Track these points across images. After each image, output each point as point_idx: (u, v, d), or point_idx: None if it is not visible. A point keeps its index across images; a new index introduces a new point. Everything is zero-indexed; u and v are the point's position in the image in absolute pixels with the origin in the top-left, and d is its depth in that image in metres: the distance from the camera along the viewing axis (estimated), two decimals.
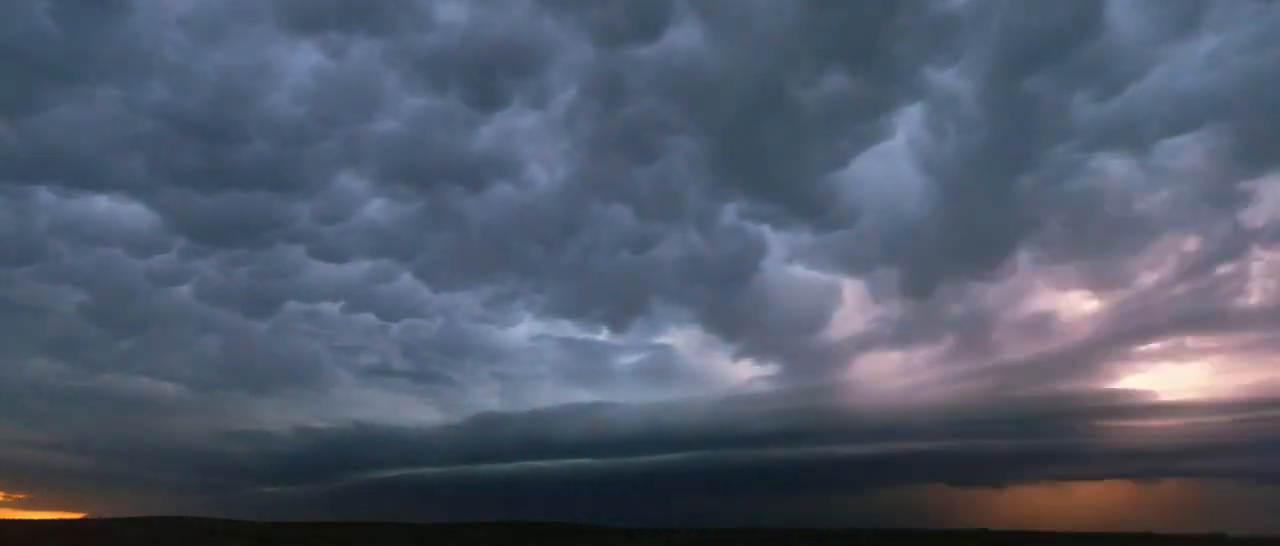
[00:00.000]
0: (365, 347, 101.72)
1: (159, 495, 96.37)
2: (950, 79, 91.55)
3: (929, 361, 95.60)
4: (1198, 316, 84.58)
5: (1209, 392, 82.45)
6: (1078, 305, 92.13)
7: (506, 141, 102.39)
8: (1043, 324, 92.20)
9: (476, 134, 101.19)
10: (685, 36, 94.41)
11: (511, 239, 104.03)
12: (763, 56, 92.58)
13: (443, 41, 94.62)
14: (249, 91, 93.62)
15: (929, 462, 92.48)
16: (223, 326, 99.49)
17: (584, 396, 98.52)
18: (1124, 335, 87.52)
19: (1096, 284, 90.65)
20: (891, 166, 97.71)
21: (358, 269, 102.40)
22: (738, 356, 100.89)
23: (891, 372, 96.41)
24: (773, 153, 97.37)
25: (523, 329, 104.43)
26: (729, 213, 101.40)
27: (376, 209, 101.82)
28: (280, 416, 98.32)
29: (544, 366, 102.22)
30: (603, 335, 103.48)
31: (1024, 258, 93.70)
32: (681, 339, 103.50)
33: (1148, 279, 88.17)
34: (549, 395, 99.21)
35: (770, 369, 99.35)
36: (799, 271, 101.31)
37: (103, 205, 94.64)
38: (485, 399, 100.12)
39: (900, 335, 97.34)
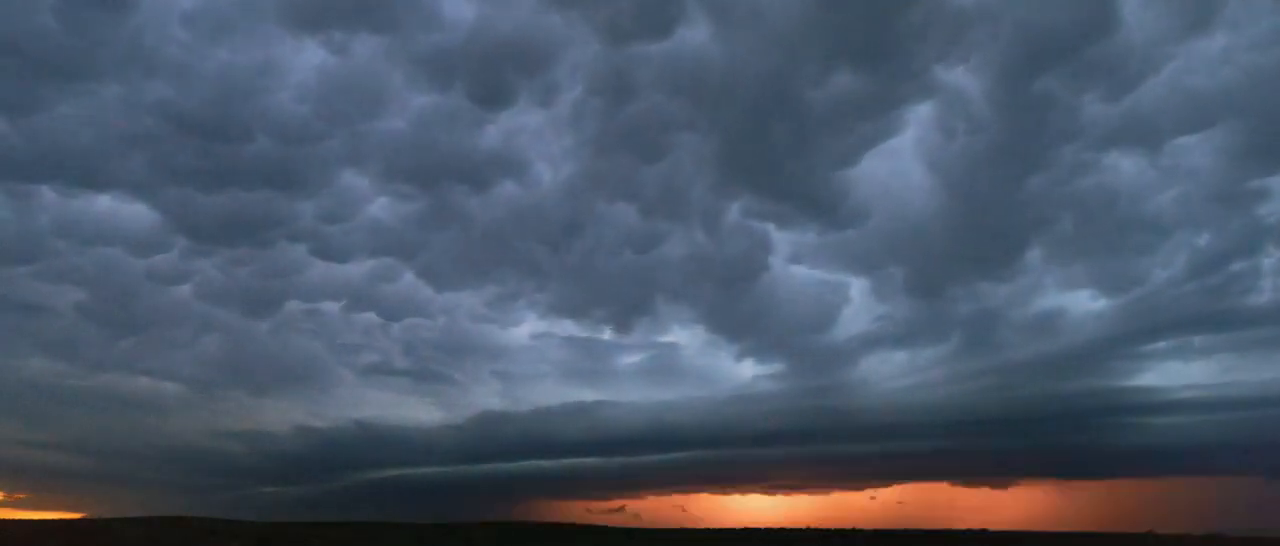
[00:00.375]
0: (366, 347, 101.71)
1: (159, 495, 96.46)
2: (959, 77, 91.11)
3: (935, 361, 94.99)
4: (1208, 314, 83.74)
5: (1219, 390, 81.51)
6: (1087, 304, 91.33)
7: (512, 140, 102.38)
8: (1052, 323, 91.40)
9: (482, 132, 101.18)
10: (693, 34, 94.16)
11: (515, 238, 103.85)
12: (770, 54, 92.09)
13: (448, 39, 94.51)
14: (252, 89, 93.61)
15: (933, 461, 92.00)
16: (223, 326, 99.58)
17: (586, 395, 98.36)
18: (1133, 333, 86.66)
19: (1106, 282, 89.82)
20: (899, 165, 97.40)
21: (360, 268, 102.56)
22: (741, 355, 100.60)
23: (897, 372, 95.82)
24: (780, 151, 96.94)
25: (525, 328, 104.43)
26: (734, 211, 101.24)
27: (380, 208, 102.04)
28: (280, 416, 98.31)
29: (546, 365, 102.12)
30: (606, 334, 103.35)
31: (1033, 257, 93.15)
32: (685, 338, 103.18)
33: (1158, 277, 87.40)
34: (551, 394, 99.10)
35: (774, 368, 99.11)
36: (805, 270, 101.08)
37: (104, 204, 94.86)
38: (486, 398, 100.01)
39: (906, 334, 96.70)
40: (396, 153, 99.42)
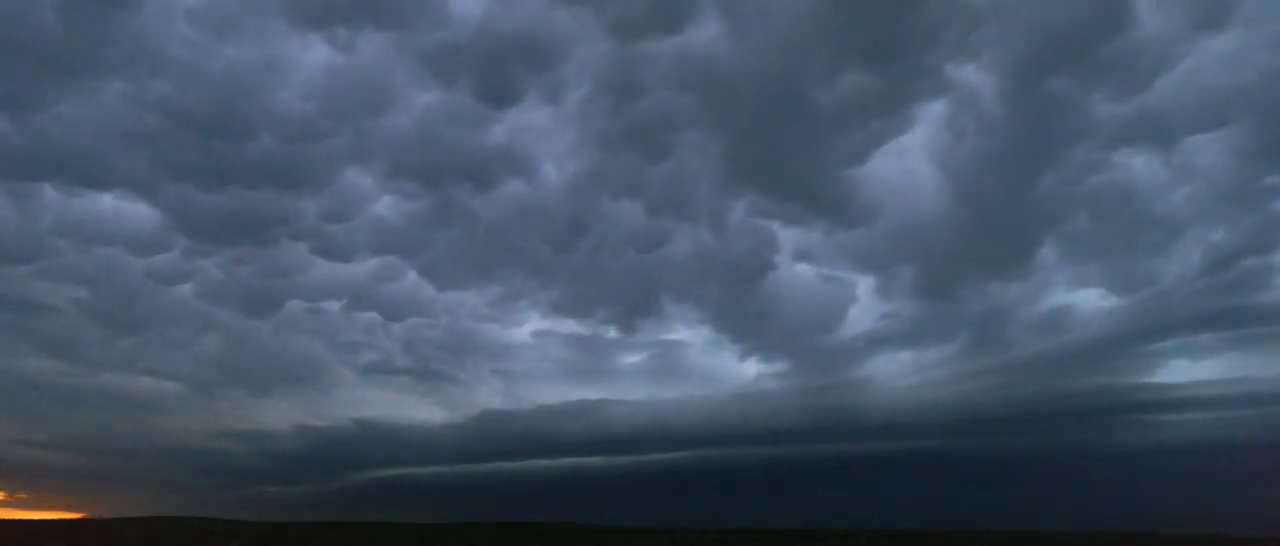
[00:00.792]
0: (368, 346, 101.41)
1: (159, 495, 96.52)
2: (970, 75, 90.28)
3: (941, 360, 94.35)
4: (1220, 312, 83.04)
5: (1229, 388, 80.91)
6: (1097, 302, 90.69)
7: (518, 138, 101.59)
8: (1062, 321, 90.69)
9: (487, 130, 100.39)
10: (702, 31, 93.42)
11: (519, 236, 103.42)
12: (779, 51, 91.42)
13: (454, 36, 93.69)
14: (257, 87, 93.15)
15: (938, 461, 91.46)
16: (224, 325, 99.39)
17: (589, 394, 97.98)
18: (1144, 331, 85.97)
19: (1117, 281, 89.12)
20: (908, 164, 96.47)
21: (363, 268, 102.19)
22: (746, 354, 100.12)
23: (903, 372, 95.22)
24: (788, 149, 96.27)
25: (528, 327, 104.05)
26: (741, 209, 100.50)
27: (384, 206, 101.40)
28: (281, 416, 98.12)
29: (549, 364, 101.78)
30: (610, 332, 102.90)
31: (1044, 255, 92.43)
32: (688, 336, 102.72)
33: (1170, 275, 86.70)
34: (553, 393, 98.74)
35: (779, 367, 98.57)
36: (811, 269, 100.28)
37: (106, 203, 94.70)
38: (488, 397, 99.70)
39: (913, 333, 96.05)
40: (401, 151, 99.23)
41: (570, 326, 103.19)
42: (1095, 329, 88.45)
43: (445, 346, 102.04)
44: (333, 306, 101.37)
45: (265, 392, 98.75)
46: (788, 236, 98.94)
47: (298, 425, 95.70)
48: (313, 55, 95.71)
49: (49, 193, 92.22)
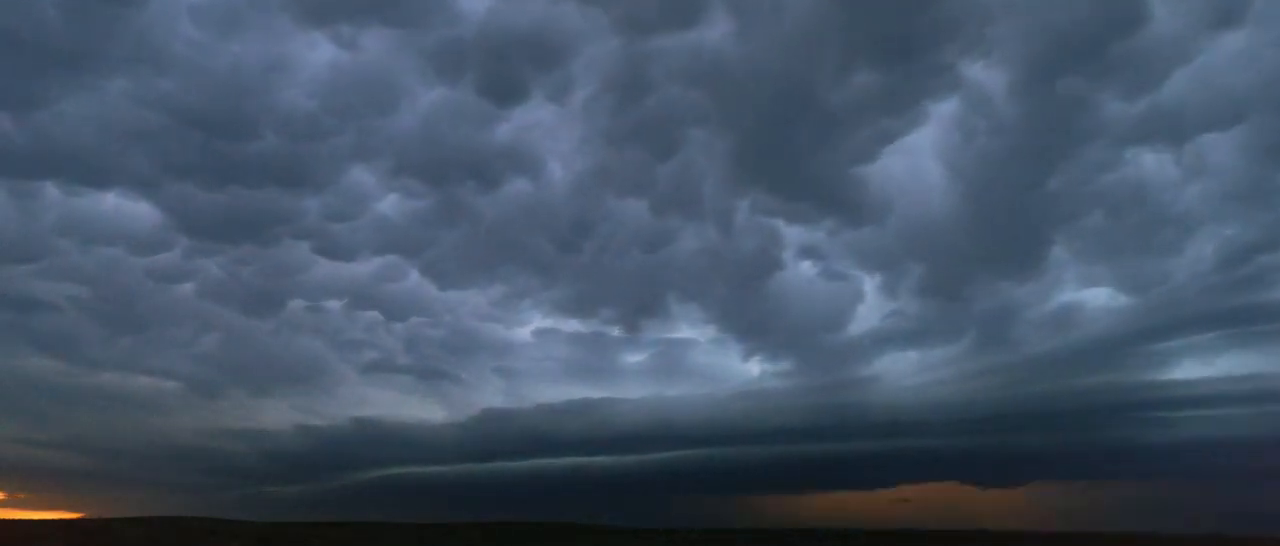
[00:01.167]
0: (370, 345, 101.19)
1: (159, 495, 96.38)
2: (981, 73, 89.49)
3: (948, 359, 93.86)
4: (1231, 310, 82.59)
5: (1239, 385, 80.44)
6: (1109, 300, 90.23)
7: (524, 136, 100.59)
8: (1072, 319, 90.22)
9: (493, 128, 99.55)
10: (711, 29, 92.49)
11: (524, 235, 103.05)
12: (788, 48, 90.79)
13: (460, 33, 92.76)
14: (261, 85, 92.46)
15: (942, 461, 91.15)
16: (226, 324, 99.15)
17: (591, 393, 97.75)
18: (1155, 329, 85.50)
19: (1129, 279, 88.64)
20: (918, 162, 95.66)
21: (365, 267, 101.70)
22: (750, 353, 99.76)
23: (910, 371, 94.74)
24: (796, 147, 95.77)
25: (531, 325, 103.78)
26: (748, 208, 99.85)
27: (388, 205, 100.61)
28: (282, 415, 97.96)
29: (551, 362, 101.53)
30: (614, 332, 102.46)
31: (1054, 254, 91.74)
32: (693, 335, 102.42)
33: (1182, 273, 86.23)
34: (555, 392, 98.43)
35: (783, 366, 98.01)
36: (818, 268, 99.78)
37: (108, 202, 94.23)
38: (491, 396, 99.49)
39: (920, 332, 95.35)
40: (406, 149, 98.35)
41: (573, 325, 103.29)
42: (1106, 327, 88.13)
43: (447, 345, 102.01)
44: (334, 305, 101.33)
45: (266, 392, 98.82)
46: (795, 235, 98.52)
47: (298, 425, 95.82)
48: (317, 53, 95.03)
49: (51, 191, 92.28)
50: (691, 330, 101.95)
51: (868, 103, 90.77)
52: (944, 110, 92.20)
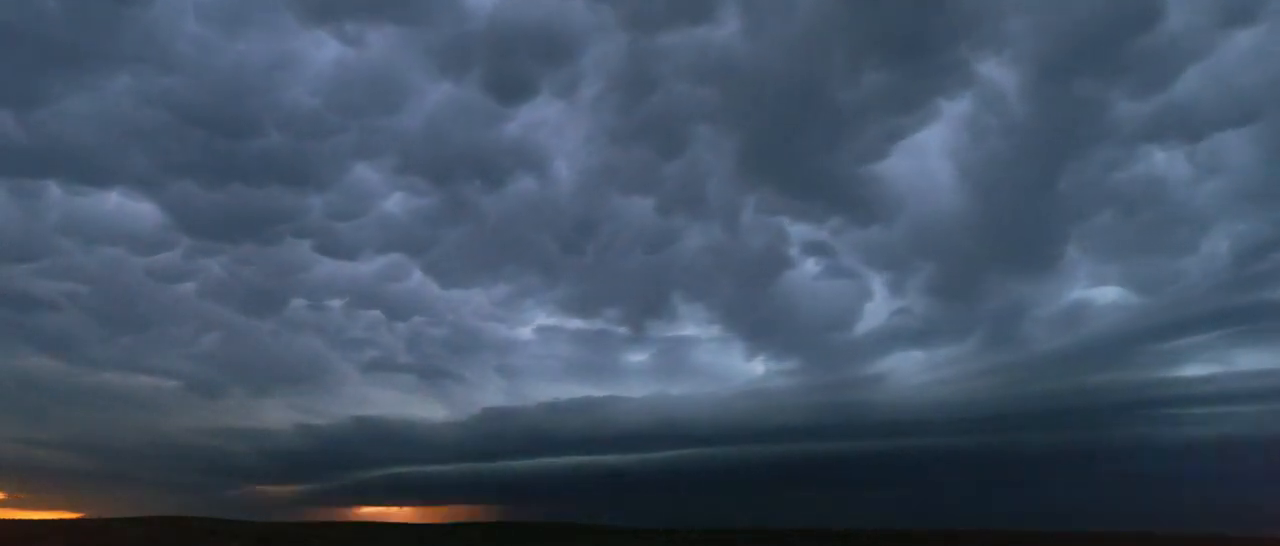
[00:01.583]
0: (371, 344, 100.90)
1: (159, 495, 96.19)
2: (993, 70, 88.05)
3: (957, 358, 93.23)
4: (1243, 308, 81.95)
5: (1255, 382, 79.90)
6: (1120, 299, 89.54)
7: (531, 134, 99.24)
8: (1083, 318, 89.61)
9: (500, 126, 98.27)
10: (719, 24, 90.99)
11: (530, 232, 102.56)
12: (797, 45, 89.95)
13: (467, 29, 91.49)
14: (265, 83, 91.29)
15: (948, 460, 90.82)
16: (226, 323, 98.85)
17: (594, 391, 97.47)
18: (1167, 328, 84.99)
19: (1141, 277, 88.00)
20: (927, 161, 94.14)
21: (368, 266, 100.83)
22: (755, 352, 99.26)
23: (917, 369, 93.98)
24: (804, 145, 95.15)
25: (534, 324, 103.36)
26: (755, 206, 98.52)
27: (394, 203, 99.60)
28: (283, 415, 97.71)
29: (553, 361, 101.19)
30: (619, 330, 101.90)
31: (1066, 251, 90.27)
32: (697, 333, 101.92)
33: (1195, 271, 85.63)
34: (557, 390, 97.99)
35: (788, 365, 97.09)
36: (826, 267, 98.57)
37: (110, 201, 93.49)
38: (493, 395, 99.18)
39: (928, 331, 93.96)
40: (411, 147, 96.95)
41: (575, 323, 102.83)
42: (1116, 325, 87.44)
43: (451, 344, 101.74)
44: (336, 304, 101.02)
45: (266, 391, 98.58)
46: (803, 233, 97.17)
47: (299, 424, 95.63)
48: (322, 50, 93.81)
49: (53, 190, 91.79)
50: (696, 329, 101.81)
51: (877, 100, 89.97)
52: (954, 108, 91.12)
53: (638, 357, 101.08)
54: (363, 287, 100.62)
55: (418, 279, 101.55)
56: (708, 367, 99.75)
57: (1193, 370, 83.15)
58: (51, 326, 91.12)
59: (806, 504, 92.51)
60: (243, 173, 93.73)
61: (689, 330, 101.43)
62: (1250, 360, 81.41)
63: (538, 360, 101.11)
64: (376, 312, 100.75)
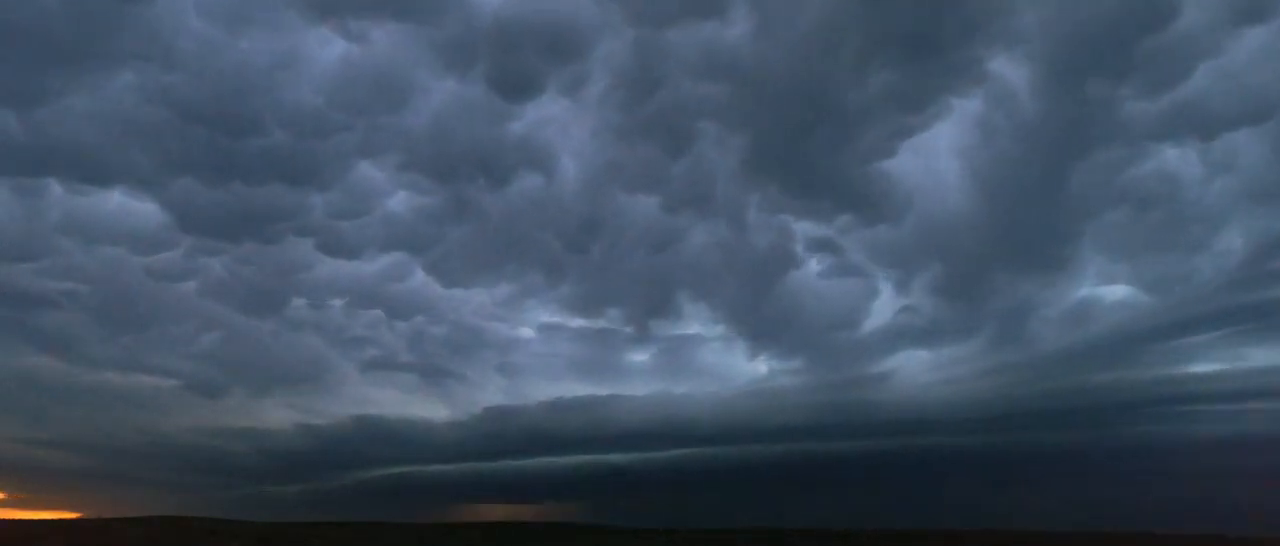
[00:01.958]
0: (373, 343, 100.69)
1: (159, 495, 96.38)
2: (1003, 68, 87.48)
3: (965, 357, 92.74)
4: (1255, 305, 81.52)
5: (1265, 379, 79.48)
6: (1130, 297, 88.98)
7: (537, 132, 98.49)
8: (1094, 316, 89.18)
9: (505, 124, 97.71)
10: (729, 22, 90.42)
11: (535, 230, 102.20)
12: (805, 43, 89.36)
13: (472, 26, 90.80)
14: (268, 81, 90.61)
15: (954, 459, 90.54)
16: (227, 323, 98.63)
17: (596, 390, 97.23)
18: (1178, 326, 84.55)
19: (1151, 276, 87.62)
20: (935, 159, 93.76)
21: (371, 265, 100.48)
22: (759, 351, 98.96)
23: (923, 368, 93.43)
24: (812, 144, 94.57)
25: (538, 323, 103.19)
26: (757, 205, 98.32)
27: (397, 202, 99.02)
28: (283, 414, 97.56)
29: (556, 360, 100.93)
30: (623, 329, 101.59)
31: (1076, 250, 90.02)
32: (701, 331, 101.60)
33: (1207, 268, 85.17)
34: (558, 389, 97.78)
35: (793, 364, 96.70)
36: (833, 266, 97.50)
37: (112, 200, 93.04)
38: (493, 394, 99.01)
39: (936, 330, 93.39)
40: (415, 145, 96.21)
41: (578, 322, 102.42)
42: (1127, 323, 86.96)
43: (454, 343, 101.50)
44: (337, 303, 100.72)
45: (267, 391, 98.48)
46: (811, 232, 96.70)
47: (299, 423, 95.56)
48: (325, 48, 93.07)
49: (54, 189, 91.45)
50: (701, 327, 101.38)
51: (885, 99, 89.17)
52: (964, 106, 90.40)
53: (640, 357, 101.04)
54: (364, 287, 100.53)
55: (420, 278, 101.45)
56: (711, 367, 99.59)
57: (1203, 367, 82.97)
58: (51, 326, 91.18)
59: (808, 503, 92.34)
60: (245, 171, 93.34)
61: (693, 329, 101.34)
62: (1262, 357, 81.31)
63: (539, 359, 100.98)
64: (377, 312, 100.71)
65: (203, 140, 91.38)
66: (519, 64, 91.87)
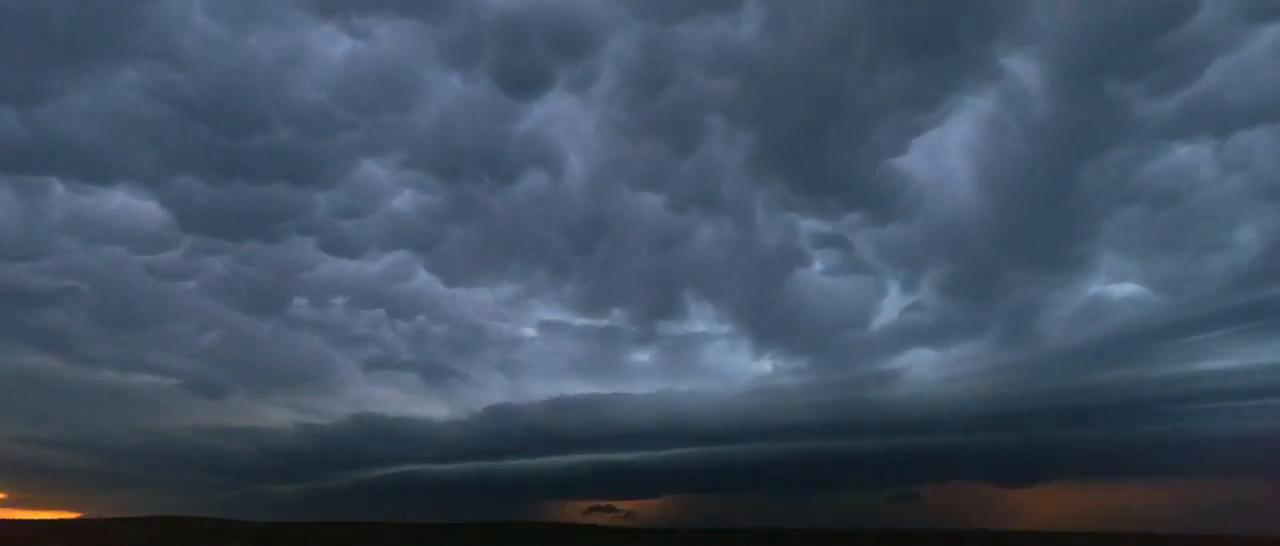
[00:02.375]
0: (374, 342, 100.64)
1: (159, 495, 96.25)
2: (1015, 66, 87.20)
3: (973, 355, 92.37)
4: (1266, 302, 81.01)
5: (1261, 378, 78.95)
6: (1142, 295, 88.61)
7: (544, 130, 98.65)
8: (1104, 315, 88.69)
9: (511, 122, 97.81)
10: (738, 23, 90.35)
11: (538, 229, 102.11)
12: (815, 41, 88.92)
13: (478, 23, 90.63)
14: (273, 79, 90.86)
15: (962, 458, 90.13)
16: (228, 322, 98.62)
17: (599, 389, 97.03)
18: (1190, 324, 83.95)
19: (1164, 274, 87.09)
20: (946, 158, 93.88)
21: (373, 264, 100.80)
22: (764, 350, 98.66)
23: (931, 368, 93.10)
24: (822, 143, 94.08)
25: (538, 321, 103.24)
26: (764, 204, 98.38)
27: (402, 200, 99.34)
28: (284, 413, 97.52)
29: (559, 358, 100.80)
30: (628, 328, 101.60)
31: (1088, 248, 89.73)
32: (705, 329, 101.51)
33: (1218, 266, 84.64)
34: (561, 388, 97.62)
35: (799, 363, 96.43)
36: (841, 264, 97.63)
37: (116, 199, 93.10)
38: (494, 393, 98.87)
39: (944, 329, 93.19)
40: (420, 143, 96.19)
41: (581, 320, 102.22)
42: (1140, 321, 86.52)
43: (452, 342, 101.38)
44: (339, 302, 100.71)
45: (267, 390, 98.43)
46: (818, 230, 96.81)
47: (300, 423, 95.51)
48: (331, 45, 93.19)
49: (57, 188, 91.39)
50: (706, 326, 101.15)
51: (896, 96, 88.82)
52: (977, 104, 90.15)
53: (643, 355, 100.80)
54: (366, 286, 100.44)
55: (423, 278, 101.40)
56: (715, 366, 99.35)
57: (1215, 364, 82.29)
58: (52, 325, 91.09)
59: (810, 503, 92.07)
60: (247, 170, 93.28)
61: (698, 328, 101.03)
62: (1275, 353, 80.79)
63: (541, 357, 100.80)
64: (379, 311, 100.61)
65: (205, 138, 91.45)
66: (526, 61, 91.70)
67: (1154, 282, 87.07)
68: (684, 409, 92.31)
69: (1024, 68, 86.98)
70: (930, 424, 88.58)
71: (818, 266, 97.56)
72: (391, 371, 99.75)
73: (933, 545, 53.73)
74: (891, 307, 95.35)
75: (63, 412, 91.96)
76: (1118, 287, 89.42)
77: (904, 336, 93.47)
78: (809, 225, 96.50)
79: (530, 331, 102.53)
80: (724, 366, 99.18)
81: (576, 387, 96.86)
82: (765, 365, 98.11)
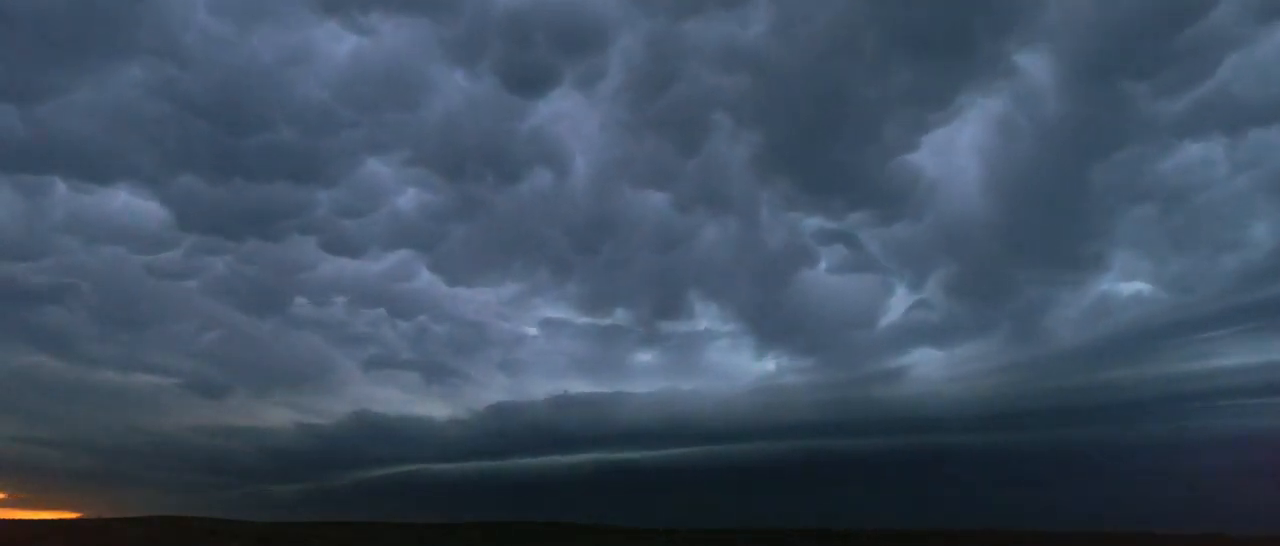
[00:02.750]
0: (375, 341, 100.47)
1: (159, 495, 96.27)
2: (1024, 63, 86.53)
3: (974, 356, 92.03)
4: (1276, 303, 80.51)
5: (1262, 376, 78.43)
6: (1154, 293, 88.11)
7: (549, 128, 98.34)
8: (1113, 313, 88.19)
9: (517, 120, 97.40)
10: (746, 23, 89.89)
11: (542, 227, 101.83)
12: (823, 38, 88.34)
13: (484, 20, 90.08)
14: (276, 77, 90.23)
15: (963, 458, 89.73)
16: (229, 321, 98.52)
17: (604, 389, 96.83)
18: (1200, 322, 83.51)
19: (1175, 272, 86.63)
20: (954, 157, 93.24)
21: (375, 263, 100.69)
22: (769, 349, 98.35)
23: (939, 367, 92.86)
24: (830, 141, 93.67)
25: (540, 320, 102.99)
26: (769, 202, 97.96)
27: (406, 199, 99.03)
28: (284, 413, 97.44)
29: (560, 357, 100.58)
30: (628, 326, 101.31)
31: (1100, 247, 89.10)
32: (710, 327, 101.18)
33: (1230, 264, 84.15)
34: (563, 387, 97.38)
35: (805, 362, 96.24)
36: (849, 263, 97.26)
37: (117, 199, 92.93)
38: (496, 392, 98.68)
39: (952, 328, 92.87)
40: (424, 141, 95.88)
41: (583, 319, 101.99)
42: (1149, 320, 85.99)
43: (453, 341, 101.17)
44: (340, 302, 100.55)
45: (268, 390, 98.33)
46: (824, 228, 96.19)
47: (300, 423, 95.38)
48: (335, 43, 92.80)
49: (58, 187, 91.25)
50: (710, 324, 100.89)
51: (905, 94, 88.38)
52: (987, 104, 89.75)
53: (646, 356, 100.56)
54: (367, 285, 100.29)
55: (425, 277, 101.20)
56: (718, 365, 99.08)
57: (1226, 361, 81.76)
58: (52, 324, 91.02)
59: (811, 502, 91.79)
60: (249, 168, 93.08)
61: (702, 326, 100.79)
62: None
63: (543, 356, 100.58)
64: (380, 310, 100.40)
65: (207, 137, 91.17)
66: (531, 58, 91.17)
67: (1165, 281, 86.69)
68: (687, 408, 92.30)
69: (1036, 65, 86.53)
70: (935, 423, 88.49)
71: (823, 265, 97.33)
72: (392, 371, 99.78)
73: (935, 545, 53.37)
74: (898, 306, 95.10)
75: (63, 412, 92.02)
76: (1126, 286, 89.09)
77: (910, 335, 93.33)
78: (814, 223, 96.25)
79: (530, 330, 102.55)
80: (728, 365, 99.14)
81: (578, 386, 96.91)
82: (769, 364, 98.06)
